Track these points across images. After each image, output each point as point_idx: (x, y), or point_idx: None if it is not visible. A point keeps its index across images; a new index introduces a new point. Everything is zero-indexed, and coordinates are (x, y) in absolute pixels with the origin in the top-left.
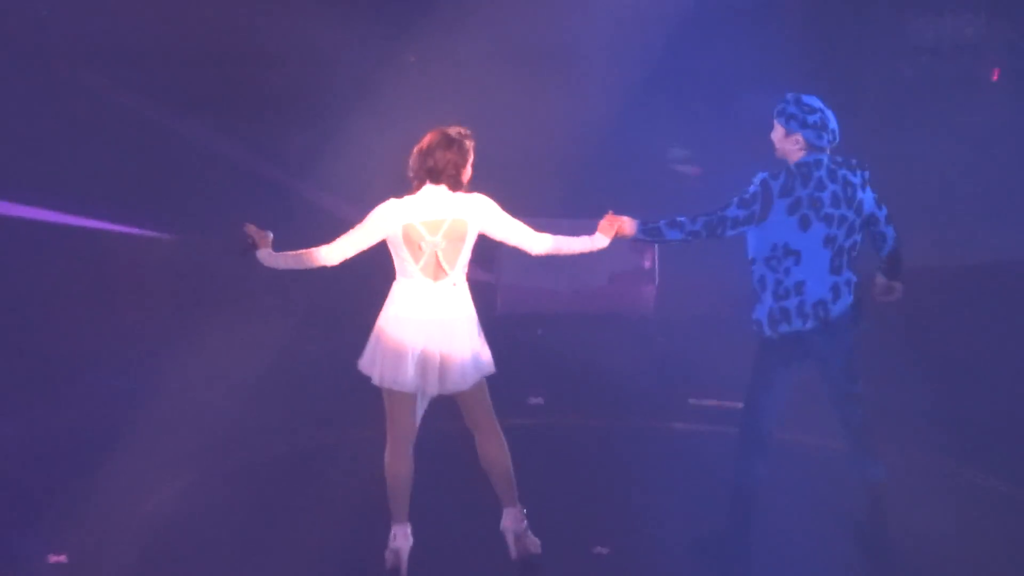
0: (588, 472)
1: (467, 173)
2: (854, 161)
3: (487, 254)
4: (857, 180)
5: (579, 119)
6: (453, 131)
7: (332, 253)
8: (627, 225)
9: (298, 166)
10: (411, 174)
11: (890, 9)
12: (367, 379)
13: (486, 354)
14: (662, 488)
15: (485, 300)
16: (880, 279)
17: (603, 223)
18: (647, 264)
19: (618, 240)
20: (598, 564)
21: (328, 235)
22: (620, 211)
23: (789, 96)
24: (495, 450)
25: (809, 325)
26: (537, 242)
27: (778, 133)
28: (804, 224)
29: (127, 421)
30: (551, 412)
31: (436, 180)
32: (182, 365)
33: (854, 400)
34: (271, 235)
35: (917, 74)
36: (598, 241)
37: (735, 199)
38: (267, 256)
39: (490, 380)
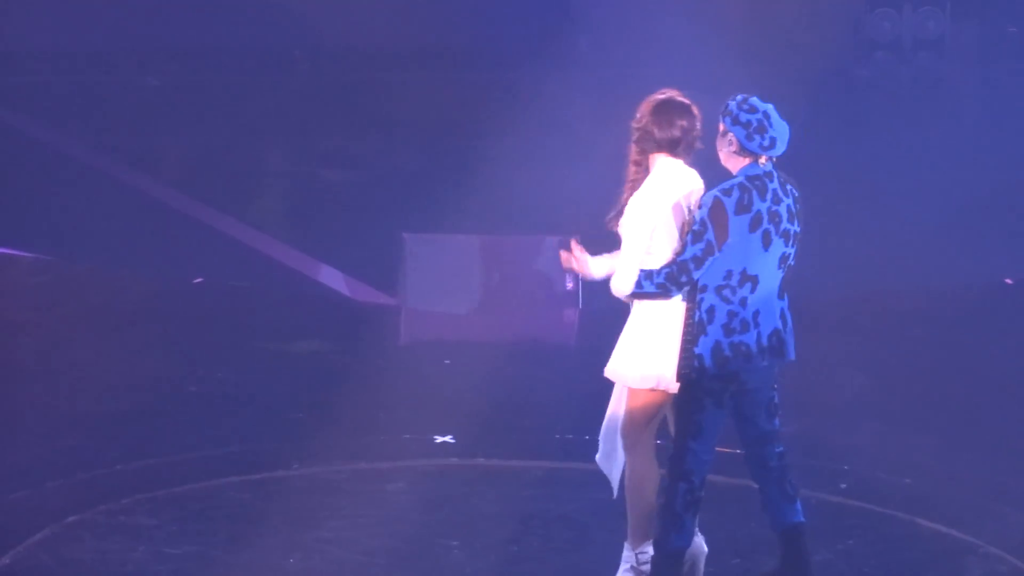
0: (507, 518)
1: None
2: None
3: (390, 275)
4: (799, 194)
5: None
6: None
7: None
8: (587, 265)
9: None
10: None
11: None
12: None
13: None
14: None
15: (388, 327)
16: None
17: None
18: (569, 285)
19: (535, 257)
20: None
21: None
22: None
23: (739, 95)
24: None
25: (765, 362)
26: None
27: (719, 132)
28: (766, 242)
29: None
30: (461, 452)
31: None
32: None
33: (774, 438)
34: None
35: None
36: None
37: (688, 235)
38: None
39: (393, 415)
